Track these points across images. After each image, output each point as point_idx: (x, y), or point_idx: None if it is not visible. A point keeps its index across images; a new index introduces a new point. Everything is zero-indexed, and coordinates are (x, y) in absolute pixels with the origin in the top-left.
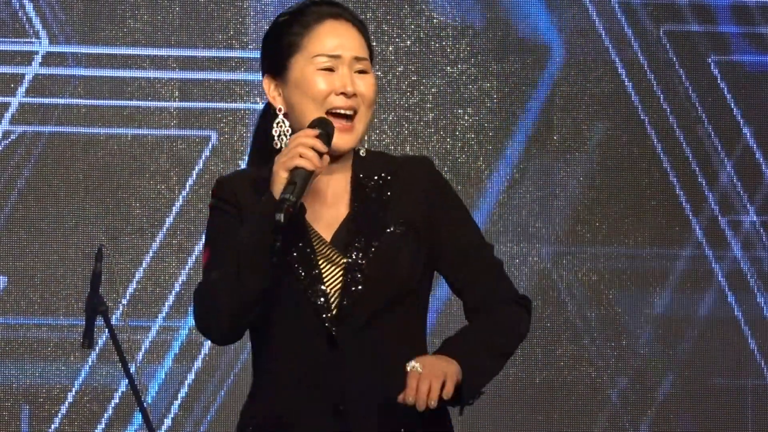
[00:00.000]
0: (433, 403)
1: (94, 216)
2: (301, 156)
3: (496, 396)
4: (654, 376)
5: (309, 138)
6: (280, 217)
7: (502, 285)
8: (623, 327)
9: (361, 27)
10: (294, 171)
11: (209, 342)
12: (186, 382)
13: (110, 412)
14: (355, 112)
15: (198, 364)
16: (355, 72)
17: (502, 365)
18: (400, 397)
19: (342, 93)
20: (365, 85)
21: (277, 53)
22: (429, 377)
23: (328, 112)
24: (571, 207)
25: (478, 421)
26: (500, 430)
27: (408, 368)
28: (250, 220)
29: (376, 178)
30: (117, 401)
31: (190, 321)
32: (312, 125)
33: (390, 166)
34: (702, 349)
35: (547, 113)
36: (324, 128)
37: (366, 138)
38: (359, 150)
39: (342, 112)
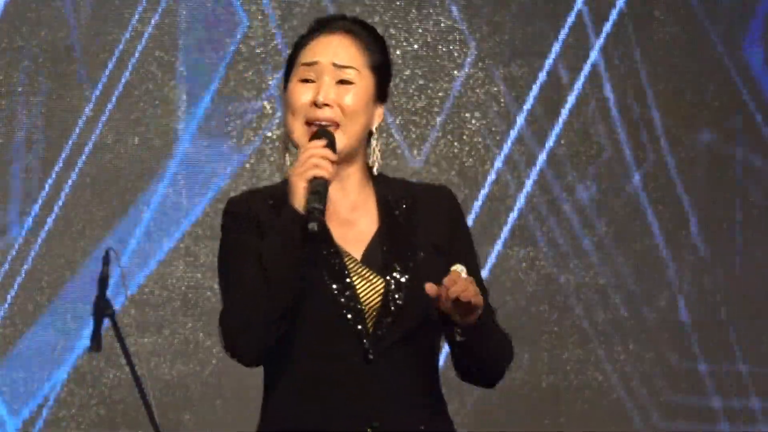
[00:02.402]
0: (465, 299)
1: (102, 219)
2: (316, 166)
3: (503, 400)
4: (660, 381)
5: (319, 148)
6: (314, 226)
7: (497, 327)
8: (630, 331)
9: (363, 38)
10: (313, 181)
11: (216, 346)
12: (194, 386)
13: (118, 416)
14: (338, 125)
15: (206, 367)
16: (337, 82)
17: (486, 353)
18: (429, 288)
19: (314, 103)
20: (347, 96)
21: (286, 68)
22: (469, 282)
23: (306, 123)
24: (578, 211)
25: (485, 425)
26: None
27: (453, 267)
28: (276, 234)
29: (401, 200)
30: (124, 404)
31: (198, 324)
32: (317, 136)
33: (411, 191)
34: (710, 353)
35: (555, 118)
36: (328, 137)
37: (380, 156)
38: (375, 165)
39: (317, 123)
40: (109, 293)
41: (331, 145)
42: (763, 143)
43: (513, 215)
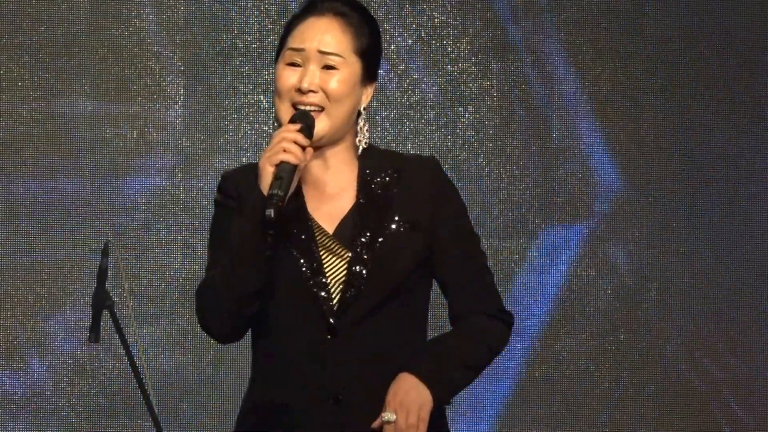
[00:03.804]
0: None
1: (101, 212)
2: (285, 150)
3: (496, 390)
4: (652, 371)
5: (291, 132)
6: (270, 212)
7: (489, 296)
8: (621, 321)
9: (353, 20)
10: (279, 165)
11: None
12: (191, 376)
13: (117, 405)
14: (323, 109)
15: (203, 357)
16: (323, 68)
17: (472, 378)
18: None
19: (299, 89)
20: (332, 81)
21: (278, 48)
22: (412, 423)
23: (292, 106)
24: (570, 204)
25: (477, 416)
26: (500, 424)
27: (384, 418)
28: (243, 217)
29: (382, 174)
30: (123, 394)
31: (195, 315)
32: (293, 119)
33: (397, 163)
34: (700, 343)
35: (547, 111)
36: (305, 121)
37: (368, 135)
38: (362, 144)
39: (302, 108)
40: (108, 285)
41: (308, 128)
42: None
43: (505, 208)
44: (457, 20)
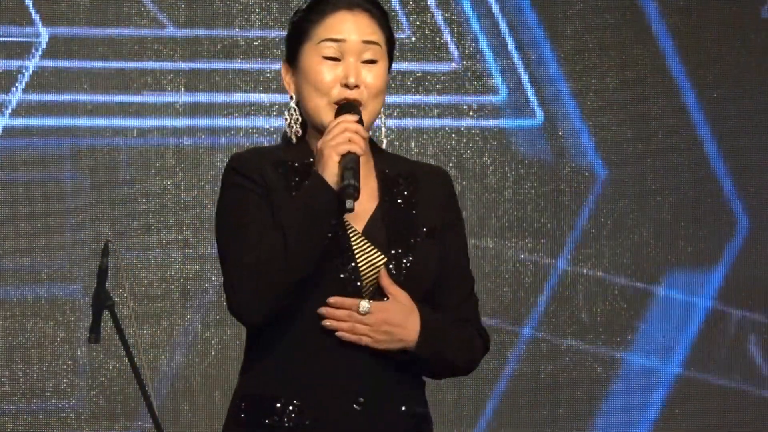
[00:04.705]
0: (339, 335)
1: (101, 211)
2: (350, 141)
3: (501, 390)
4: (658, 372)
5: (352, 123)
6: (351, 203)
7: (474, 318)
8: (628, 322)
9: (377, 15)
10: (346, 156)
11: (215, 337)
12: (192, 377)
13: (117, 407)
14: (361, 104)
15: (204, 358)
16: (363, 62)
17: (440, 372)
18: (327, 322)
19: (345, 84)
20: (371, 76)
21: (292, 40)
22: (361, 330)
23: (333, 102)
24: (576, 202)
25: (483, 415)
26: (505, 424)
27: (360, 304)
28: (306, 206)
29: (400, 177)
30: (124, 395)
31: (196, 315)
32: (344, 110)
33: (411, 169)
34: (707, 345)
35: (552, 110)
36: (358, 113)
37: (383, 130)
38: (376, 142)
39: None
40: (108, 285)
41: (361, 121)
42: None
43: (511, 206)
44: (461, 18)
